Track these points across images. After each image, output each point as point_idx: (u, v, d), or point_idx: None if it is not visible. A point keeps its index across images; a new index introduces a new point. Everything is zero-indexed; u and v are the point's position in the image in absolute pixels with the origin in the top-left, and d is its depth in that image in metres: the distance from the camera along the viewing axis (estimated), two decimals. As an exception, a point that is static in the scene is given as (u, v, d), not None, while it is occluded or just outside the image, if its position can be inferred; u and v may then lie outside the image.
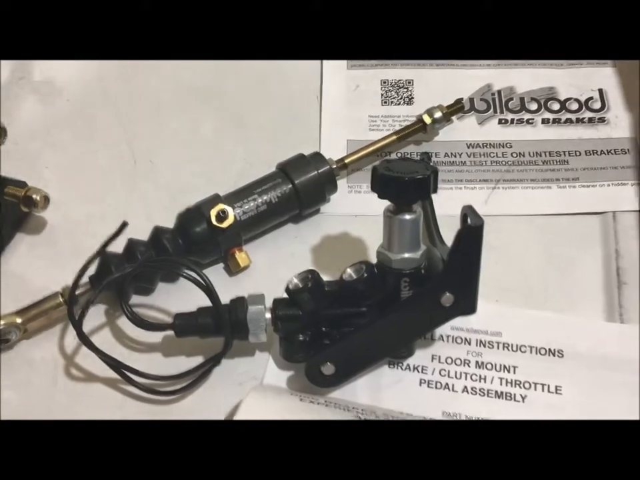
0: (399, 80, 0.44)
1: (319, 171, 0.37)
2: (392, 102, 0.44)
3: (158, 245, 0.35)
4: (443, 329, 0.36)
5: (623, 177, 0.40)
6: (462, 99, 0.43)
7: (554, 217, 0.39)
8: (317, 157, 0.38)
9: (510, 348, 0.35)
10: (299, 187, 0.37)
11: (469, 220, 0.31)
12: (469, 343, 0.36)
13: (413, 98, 0.44)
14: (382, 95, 0.44)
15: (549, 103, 0.43)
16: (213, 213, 0.34)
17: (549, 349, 0.35)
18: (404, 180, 0.31)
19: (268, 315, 0.33)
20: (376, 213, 0.39)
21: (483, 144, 0.42)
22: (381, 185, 0.32)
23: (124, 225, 0.31)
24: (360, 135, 0.42)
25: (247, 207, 0.36)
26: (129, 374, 0.32)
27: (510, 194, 0.40)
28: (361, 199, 0.40)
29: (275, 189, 0.37)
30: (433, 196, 0.34)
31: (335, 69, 0.45)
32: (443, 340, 0.36)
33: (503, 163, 0.41)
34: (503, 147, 0.42)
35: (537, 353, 0.35)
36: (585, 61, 0.44)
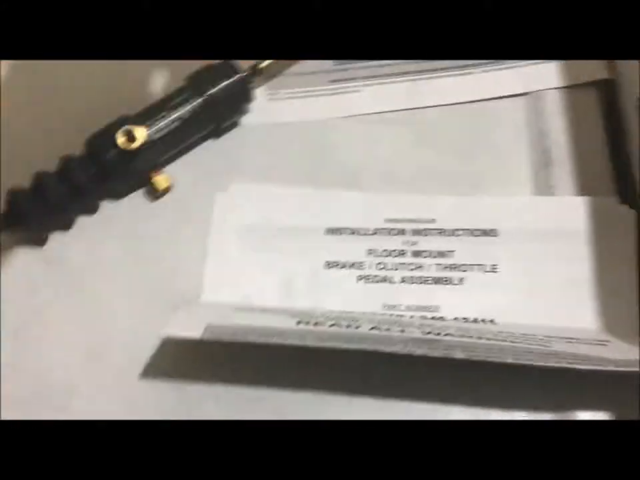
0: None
1: (231, 80, 0.36)
2: (305, 1, 0.42)
3: (68, 177, 0.33)
4: (378, 222, 0.36)
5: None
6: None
7: (480, 103, 0.38)
8: (227, 66, 0.36)
9: (444, 233, 0.35)
10: (211, 99, 0.35)
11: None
12: (404, 233, 0.36)
13: (326, -6, 0.42)
14: (294, -6, 0.42)
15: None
16: (120, 135, 0.33)
17: (483, 229, 0.35)
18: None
19: None
20: (298, 119, 0.38)
21: (402, 35, 0.41)
22: None
23: None
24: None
25: (157, 125, 0.34)
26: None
27: (434, 83, 0.39)
28: (282, 105, 0.39)
29: (187, 103, 0.35)
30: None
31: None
32: (377, 233, 0.36)
33: (425, 51, 0.40)
34: (423, 36, 0.41)
35: (471, 235, 0.35)
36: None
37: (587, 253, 0.34)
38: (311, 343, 0.27)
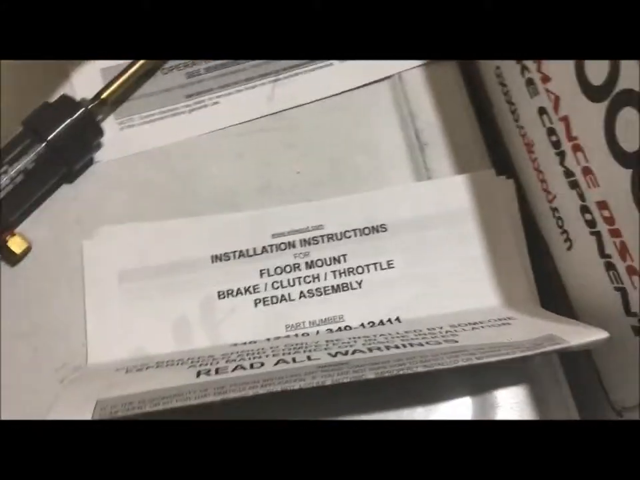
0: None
1: (73, 117, 0.32)
2: (140, 13, 0.38)
3: None
4: (264, 239, 0.34)
5: (398, 33, 0.38)
6: (215, -10, 0.38)
7: (345, 95, 0.37)
8: (66, 102, 0.33)
9: (335, 238, 0.34)
10: (54, 143, 0.31)
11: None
12: (294, 246, 0.34)
13: (162, 3, 0.39)
14: (126, 8, 0.38)
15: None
16: (-47, 203, 0.29)
17: (372, 227, 0.34)
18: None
19: None
20: (159, 145, 0.35)
21: (252, 35, 0.38)
22: None
23: None
24: (113, 61, 0.37)
25: (-2, 183, 0.30)
26: None
27: (294, 81, 0.37)
28: (138, 132, 0.36)
29: (27, 152, 0.31)
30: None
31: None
32: (267, 251, 0.34)
33: (278, 50, 0.38)
34: (274, 33, 0.38)
35: (362, 235, 0.34)
36: None
37: (475, 231, 0.34)
38: (213, 398, 0.25)
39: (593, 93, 0.27)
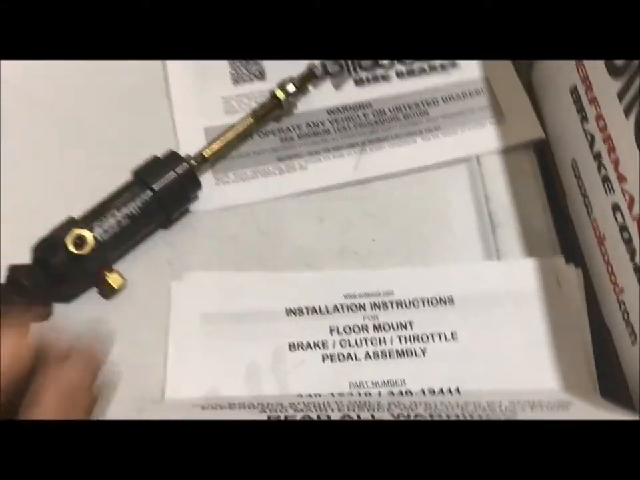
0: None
1: (177, 172, 0.35)
2: (243, 79, 0.42)
3: (17, 286, 0.32)
4: (337, 299, 0.36)
5: (480, 118, 0.40)
6: (313, 64, 0.42)
7: (424, 171, 0.40)
8: (173, 157, 0.36)
9: (403, 304, 0.36)
10: (159, 193, 0.35)
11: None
12: (364, 308, 0.36)
13: (264, 71, 0.42)
14: (232, 73, 0.42)
15: (400, 55, 0.43)
16: (69, 240, 0.32)
17: (440, 298, 0.36)
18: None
19: None
20: (248, 201, 0.38)
21: (342, 108, 0.41)
22: None
23: None
24: (217, 120, 0.40)
25: (106, 224, 0.34)
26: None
27: (378, 154, 0.40)
28: (231, 188, 0.39)
29: (134, 199, 0.34)
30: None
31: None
32: (338, 310, 0.36)
33: (366, 124, 0.41)
34: (363, 108, 0.41)
35: (429, 305, 0.36)
36: (428, 5, 0.44)
37: (540, 314, 0.35)
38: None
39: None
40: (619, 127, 0.31)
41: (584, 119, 0.35)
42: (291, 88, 0.39)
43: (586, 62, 0.34)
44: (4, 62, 0.41)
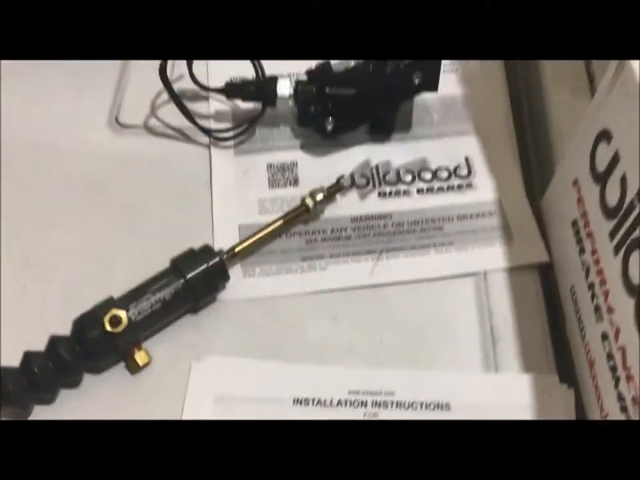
0: (284, 162, 0.47)
1: (209, 264, 0.40)
2: (278, 184, 0.47)
3: (55, 355, 0.36)
4: (341, 394, 0.39)
5: (490, 237, 0.44)
6: (342, 176, 0.46)
7: (434, 281, 0.43)
8: (207, 250, 0.41)
9: (403, 405, 0.38)
10: (191, 282, 0.39)
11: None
12: (366, 405, 0.38)
13: (298, 179, 0.47)
14: (269, 178, 0.47)
15: (422, 173, 0.47)
16: (107, 318, 0.36)
17: (438, 404, 0.38)
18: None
19: (291, 88, 0.46)
20: (271, 295, 0.42)
21: (365, 217, 0.45)
22: None
23: None
24: (251, 219, 0.45)
25: (141, 307, 0.38)
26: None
27: (393, 262, 0.44)
28: (256, 282, 0.43)
29: (168, 285, 0.39)
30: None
31: (223, 156, 0.48)
32: (342, 405, 0.38)
33: (385, 233, 0.45)
34: (384, 219, 0.45)
35: (426, 409, 0.38)
36: (452, 131, 0.49)
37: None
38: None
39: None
40: (609, 262, 0.34)
41: (582, 250, 0.38)
42: (319, 197, 0.44)
43: (585, 199, 0.37)
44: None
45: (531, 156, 0.54)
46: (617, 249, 0.33)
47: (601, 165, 0.35)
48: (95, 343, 0.36)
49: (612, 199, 0.34)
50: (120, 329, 0.36)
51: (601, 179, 0.35)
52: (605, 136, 0.35)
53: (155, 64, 0.46)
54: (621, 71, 0.33)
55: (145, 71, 0.50)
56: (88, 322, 0.37)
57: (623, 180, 0.33)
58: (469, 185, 0.46)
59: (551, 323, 0.41)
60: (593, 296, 0.36)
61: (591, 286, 0.36)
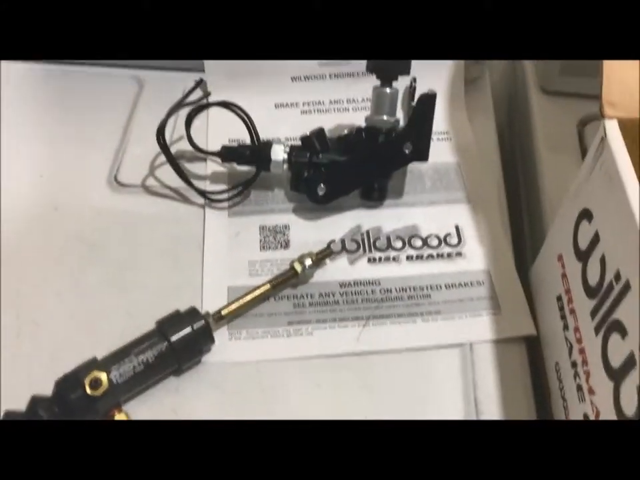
0: (276, 225, 0.48)
1: (194, 327, 0.40)
2: (270, 247, 0.47)
3: (34, 415, 0.36)
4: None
5: (478, 308, 0.44)
6: (332, 241, 0.47)
7: (419, 350, 0.43)
8: (193, 313, 0.41)
9: None
10: (175, 345, 0.39)
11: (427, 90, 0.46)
12: None
13: (289, 242, 0.47)
14: (260, 240, 0.47)
15: (412, 240, 0.47)
16: (87, 381, 0.36)
17: None
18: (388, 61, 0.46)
19: (285, 153, 0.47)
20: (255, 359, 0.42)
21: (354, 282, 0.46)
22: (372, 62, 0.47)
23: None
24: (240, 281, 0.45)
25: (123, 369, 0.38)
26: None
27: (379, 330, 0.43)
28: (241, 345, 0.43)
29: (152, 347, 0.39)
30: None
31: (217, 217, 0.49)
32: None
33: (373, 300, 0.45)
34: (372, 285, 0.45)
35: None
36: (444, 200, 0.50)
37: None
38: None
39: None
40: (591, 342, 0.34)
41: (566, 326, 0.38)
42: (309, 262, 0.44)
43: (569, 275, 0.37)
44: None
45: (524, 224, 0.55)
46: (597, 329, 0.33)
47: (583, 243, 0.35)
48: (75, 404, 0.36)
49: (593, 277, 0.34)
50: (100, 391, 0.36)
51: (583, 256, 0.35)
52: (586, 215, 0.35)
53: (156, 127, 0.47)
54: (602, 152, 0.34)
55: (145, 132, 0.52)
56: (69, 383, 0.37)
57: (602, 260, 0.33)
58: (459, 254, 0.47)
59: (536, 397, 0.40)
60: (576, 375, 0.36)
61: (574, 364, 0.36)
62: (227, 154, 0.49)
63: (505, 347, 0.42)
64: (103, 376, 0.36)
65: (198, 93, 0.52)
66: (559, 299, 0.39)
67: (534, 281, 0.44)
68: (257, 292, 0.43)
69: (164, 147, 0.47)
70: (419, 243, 0.47)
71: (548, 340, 0.41)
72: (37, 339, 0.42)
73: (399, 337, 0.43)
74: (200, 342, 0.40)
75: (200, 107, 0.49)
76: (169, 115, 0.48)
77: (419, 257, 0.47)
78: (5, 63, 0.56)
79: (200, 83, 0.52)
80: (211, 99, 0.53)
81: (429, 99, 0.45)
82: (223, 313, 0.42)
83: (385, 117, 0.47)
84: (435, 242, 0.47)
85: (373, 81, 0.48)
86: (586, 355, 0.35)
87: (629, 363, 0.30)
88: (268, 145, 0.48)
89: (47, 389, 0.38)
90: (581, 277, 0.35)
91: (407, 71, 0.47)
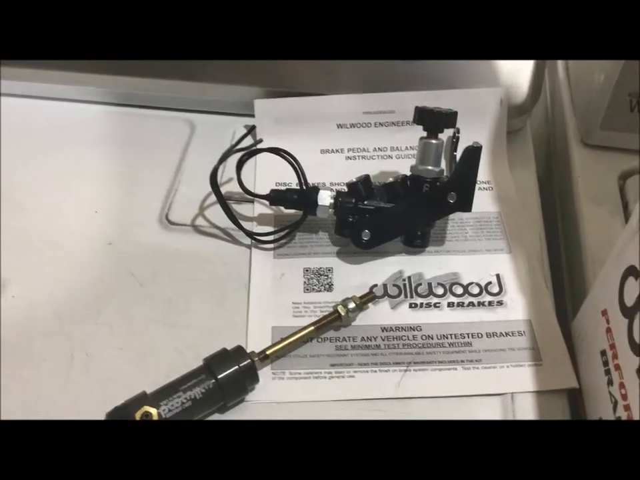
0: (320, 268, 0.49)
1: (240, 365, 0.41)
2: (313, 289, 0.48)
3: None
4: None
5: (519, 358, 0.44)
6: (375, 285, 0.48)
7: (459, 399, 0.43)
8: (239, 351, 0.42)
9: None
10: (222, 382, 0.40)
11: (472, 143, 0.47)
12: None
13: (332, 284, 0.48)
14: (304, 282, 0.49)
15: (453, 287, 0.48)
16: (138, 415, 0.37)
17: None
18: (436, 111, 0.48)
19: (331, 199, 0.49)
20: (298, 399, 0.43)
21: (395, 327, 0.46)
22: (420, 114, 0.48)
23: None
24: (284, 322, 0.46)
25: (172, 404, 0.39)
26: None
27: (420, 376, 0.44)
28: (284, 385, 0.44)
29: (200, 384, 0.40)
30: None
31: (263, 257, 0.50)
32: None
33: (414, 345, 0.45)
34: (414, 330, 0.46)
35: None
36: (485, 248, 0.50)
37: None
38: None
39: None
40: (636, 400, 0.34)
41: (610, 382, 0.38)
42: (351, 305, 0.45)
43: (614, 331, 0.38)
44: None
45: (564, 275, 0.55)
46: (643, 387, 0.34)
47: (629, 300, 0.36)
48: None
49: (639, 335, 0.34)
50: (150, 425, 0.37)
51: (629, 313, 0.36)
52: (632, 272, 0.35)
53: (207, 168, 0.49)
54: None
55: (196, 173, 0.54)
56: (119, 416, 0.38)
57: (650, 318, 0.33)
58: (500, 303, 0.47)
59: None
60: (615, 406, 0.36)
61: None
62: (276, 197, 0.50)
63: (546, 399, 0.42)
64: (153, 410, 0.38)
65: (247, 138, 0.54)
66: (603, 353, 0.39)
67: (576, 334, 0.45)
68: (301, 333, 0.44)
69: (216, 189, 0.49)
70: (460, 290, 0.48)
71: (591, 394, 0.41)
72: (88, 370, 0.44)
73: (439, 384, 0.44)
74: (246, 381, 0.41)
75: (252, 152, 0.51)
76: (222, 159, 0.50)
77: (460, 305, 0.47)
78: (67, 104, 0.59)
79: (252, 130, 0.55)
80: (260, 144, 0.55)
81: (474, 151, 0.47)
82: (268, 352, 0.43)
83: (430, 167, 0.48)
84: (476, 290, 0.48)
85: (416, 129, 0.49)
86: (631, 413, 0.35)
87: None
88: (315, 189, 0.49)
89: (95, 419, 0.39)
90: (627, 334, 0.36)
91: (453, 124, 0.48)
